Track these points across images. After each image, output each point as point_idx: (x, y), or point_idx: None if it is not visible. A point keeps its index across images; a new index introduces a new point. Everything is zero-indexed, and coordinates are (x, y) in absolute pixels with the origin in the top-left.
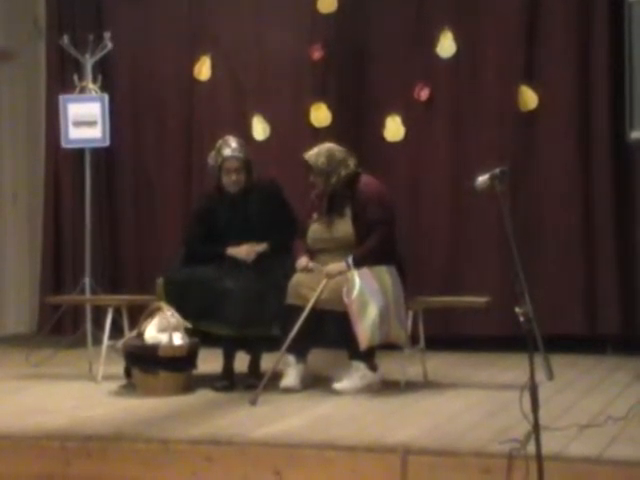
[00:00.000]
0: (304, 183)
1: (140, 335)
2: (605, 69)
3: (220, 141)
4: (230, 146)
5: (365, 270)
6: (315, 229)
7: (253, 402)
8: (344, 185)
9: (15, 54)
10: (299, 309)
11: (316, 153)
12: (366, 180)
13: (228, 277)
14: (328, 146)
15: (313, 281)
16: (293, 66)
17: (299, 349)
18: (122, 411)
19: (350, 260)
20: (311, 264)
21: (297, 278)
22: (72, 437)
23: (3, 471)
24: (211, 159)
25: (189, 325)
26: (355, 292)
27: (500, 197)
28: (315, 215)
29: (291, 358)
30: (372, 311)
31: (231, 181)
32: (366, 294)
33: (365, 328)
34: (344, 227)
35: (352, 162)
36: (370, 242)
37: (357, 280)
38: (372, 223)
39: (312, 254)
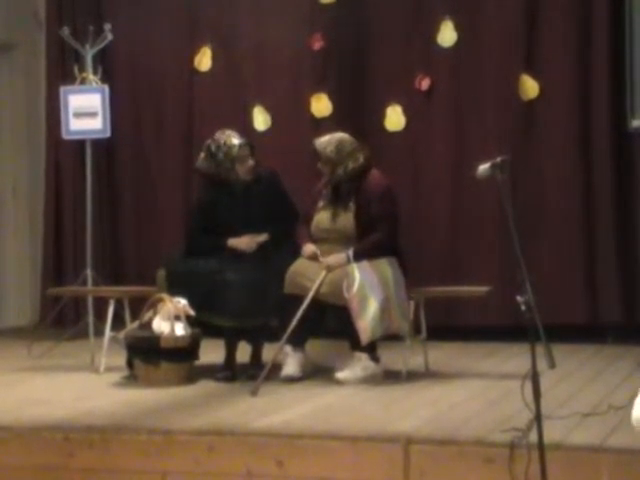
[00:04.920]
0: (305, 173)
1: (143, 326)
2: (606, 58)
3: (211, 140)
4: (234, 136)
5: (364, 263)
6: (319, 219)
7: (254, 393)
8: (351, 178)
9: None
10: (297, 299)
11: (326, 141)
12: (374, 175)
13: (229, 268)
14: (340, 136)
15: (311, 271)
16: (293, 56)
17: (297, 338)
18: (124, 402)
19: (351, 253)
20: (318, 252)
21: (295, 267)
22: (74, 428)
23: (6, 462)
24: (215, 155)
25: (192, 312)
26: (355, 287)
27: (501, 186)
28: (321, 203)
29: (288, 348)
30: (372, 305)
31: (248, 167)
32: (366, 288)
33: (366, 324)
34: (347, 219)
35: (362, 156)
36: (372, 237)
37: (357, 275)
38: (375, 219)
39: (313, 242)
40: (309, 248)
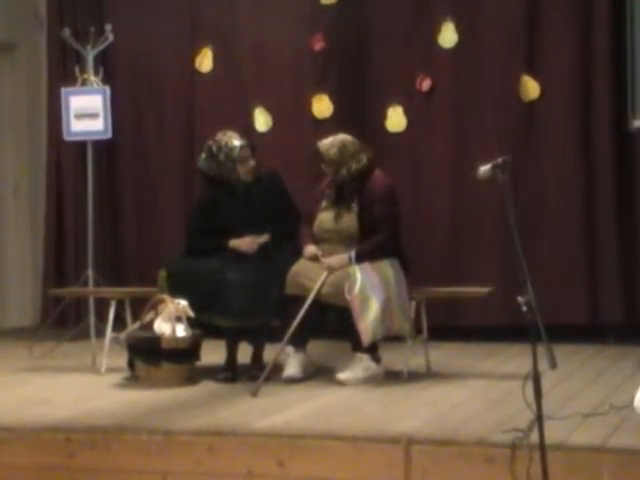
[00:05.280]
0: (306, 173)
1: (144, 327)
2: (607, 58)
3: (212, 141)
4: (235, 137)
5: (366, 264)
6: (322, 218)
7: (254, 393)
8: (354, 178)
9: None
10: (298, 299)
11: (329, 143)
12: (377, 176)
13: (230, 269)
14: (342, 137)
15: (313, 271)
16: (294, 57)
17: (298, 339)
18: (125, 403)
19: (353, 254)
20: (320, 253)
21: (296, 268)
22: (76, 429)
23: (7, 463)
24: (216, 156)
25: (191, 314)
26: (357, 288)
27: (502, 187)
28: (324, 203)
29: (290, 348)
30: (373, 306)
31: (249, 168)
32: (367, 289)
33: (367, 325)
34: (349, 220)
35: (365, 157)
36: (375, 239)
37: (358, 276)
38: (377, 220)
39: (315, 243)
40: (310, 249)
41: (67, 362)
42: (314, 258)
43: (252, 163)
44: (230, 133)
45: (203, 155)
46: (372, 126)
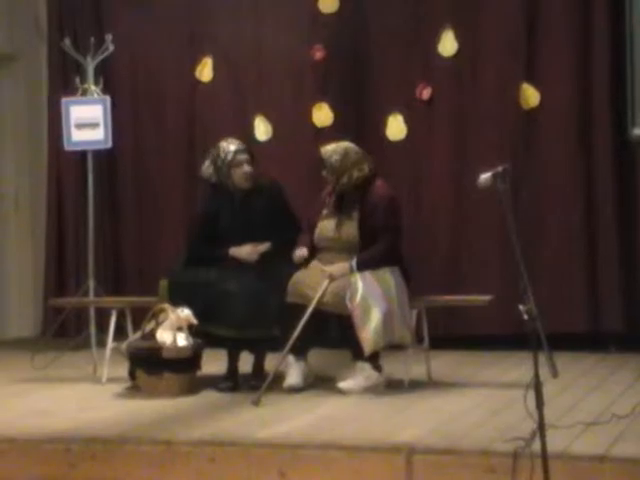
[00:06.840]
0: (306, 182)
1: (145, 337)
2: (606, 66)
3: (212, 149)
4: (233, 143)
5: (367, 273)
6: (322, 227)
7: (256, 403)
8: (355, 187)
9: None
10: (299, 308)
11: (332, 149)
12: (379, 185)
13: (231, 278)
14: (345, 145)
15: (314, 280)
16: (295, 66)
17: (299, 348)
18: (126, 413)
19: (354, 263)
20: (306, 253)
21: (297, 276)
22: (76, 439)
23: (7, 474)
24: (215, 162)
25: (195, 321)
26: (358, 297)
27: (502, 195)
28: (325, 211)
29: (291, 357)
30: (375, 316)
31: (244, 173)
32: (369, 298)
33: (369, 334)
34: (350, 229)
35: (367, 165)
36: (376, 248)
37: (360, 284)
38: (378, 229)
39: (316, 251)
40: (298, 252)
41: (68, 372)
42: (301, 259)
43: (247, 168)
44: (231, 139)
45: (206, 162)
46: (372, 134)
